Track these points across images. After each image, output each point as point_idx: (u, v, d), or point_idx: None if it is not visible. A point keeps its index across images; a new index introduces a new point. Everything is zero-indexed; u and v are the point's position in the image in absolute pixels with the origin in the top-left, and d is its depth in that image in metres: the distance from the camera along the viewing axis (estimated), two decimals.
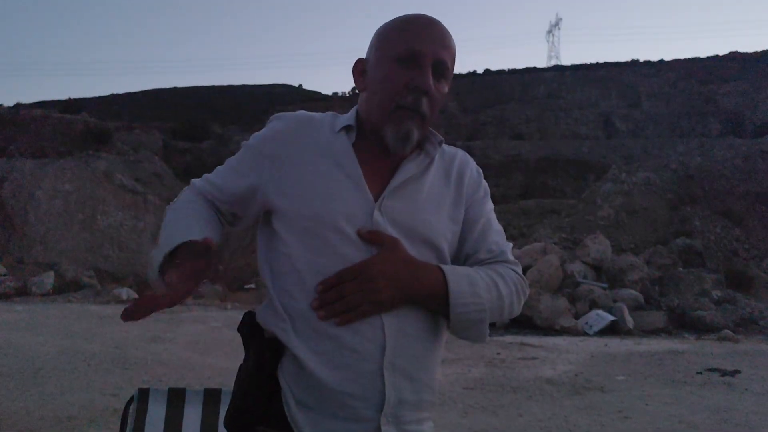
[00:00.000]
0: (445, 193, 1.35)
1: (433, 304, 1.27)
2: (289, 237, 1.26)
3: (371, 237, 1.23)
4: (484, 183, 1.45)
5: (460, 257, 1.37)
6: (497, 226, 1.43)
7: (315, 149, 1.31)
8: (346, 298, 1.21)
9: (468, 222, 1.37)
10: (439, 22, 1.32)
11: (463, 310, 1.27)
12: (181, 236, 1.22)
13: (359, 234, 1.23)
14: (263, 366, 1.26)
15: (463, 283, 1.27)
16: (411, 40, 1.27)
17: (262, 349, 1.27)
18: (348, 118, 1.35)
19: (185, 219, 1.30)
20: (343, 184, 1.27)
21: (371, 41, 1.35)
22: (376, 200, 1.27)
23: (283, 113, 1.41)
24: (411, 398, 1.26)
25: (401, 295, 1.23)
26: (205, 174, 1.43)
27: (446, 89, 1.32)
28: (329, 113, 1.41)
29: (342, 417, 1.22)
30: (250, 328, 1.30)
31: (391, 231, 1.25)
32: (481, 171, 1.46)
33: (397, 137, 1.27)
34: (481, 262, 1.37)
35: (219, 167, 1.42)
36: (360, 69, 1.36)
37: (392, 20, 1.34)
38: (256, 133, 1.39)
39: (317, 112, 1.43)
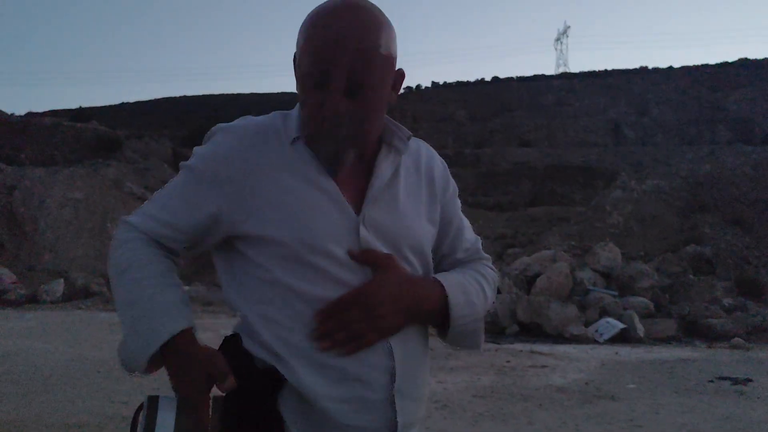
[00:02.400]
0: (419, 193, 1.27)
1: (435, 319, 1.23)
2: (269, 264, 1.14)
3: (365, 258, 1.14)
4: (451, 178, 1.36)
5: (436, 257, 1.31)
6: (466, 221, 1.38)
7: (276, 165, 1.16)
8: (349, 326, 1.11)
9: (443, 222, 1.31)
10: (355, 7, 1.12)
11: (462, 323, 1.23)
12: (170, 322, 1.11)
13: (351, 255, 1.14)
14: (259, 399, 1.14)
15: (459, 294, 1.23)
16: (318, 50, 1.10)
17: (256, 381, 1.14)
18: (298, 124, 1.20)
19: (160, 295, 1.14)
20: (320, 202, 1.15)
21: (297, 34, 1.18)
22: (355, 211, 1.16)
23: (228, 125, 1.23)
24: (414, 419, 1.21)
25: (405, 317, 1.16)
26: (145, 208, 1.22)
27: (375, 93, 1.14)
28: (276, 115, 1.24)
29: None
30: (235, 357, 1.16)
31: (378, 245, 1.17)
32: (446, 164, 1.37)
33: (327, 161, 1.15)
34: (458, 262, 1.33)
35: (160, 196, 1.22)
36: (295, 66, 1.20)
37: (308, 14, 1.16)
38: (200, 151, 1.21)
39: None
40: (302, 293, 1.13)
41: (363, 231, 1.15)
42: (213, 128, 1.24)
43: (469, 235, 1.37)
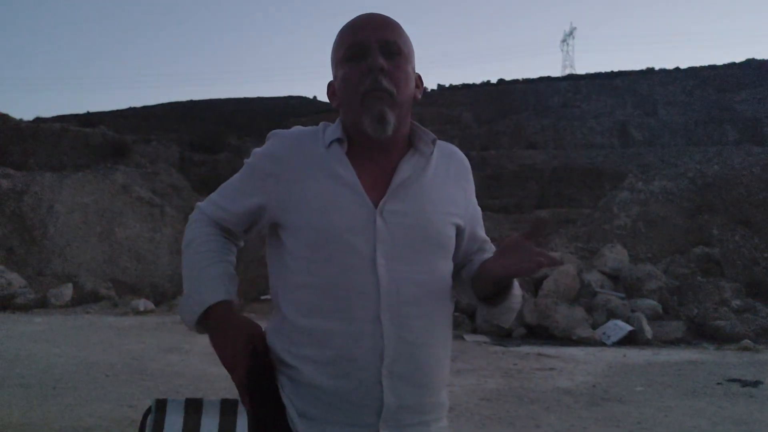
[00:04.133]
0: (447, 191, 1.40)
1: (496, 289, 1.37)
2: (296, 250, 1.31)
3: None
4: (472, 179, 1.53)
5: (456, 251, 1.45)
6: (480, 213, 1.54)
7: (311, 164, 1.34)
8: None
9: (466, 228, 1.46)
10: (379, 13, 1.37)
11: (515, 300, 1.40)
12: (212, 293, 1.33)
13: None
14: (260, 385, 1.32)
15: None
16: (351, 37, 1.34)
17: (255, 370, 1.32)
18: (335, 130, 1.38)
19: (210, 268, 1.37)
20: (342, 194, 1.30)
21: (330, 55, 1.41)
22: (376, 206, 1.30)
23: (280, 131, 1.44)
24: (413, 403, 1.30)
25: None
26: (211, 196, 1.48)
27: (407, 65, 1.36)
28: (321, 125, 1.44)
29: (343, 423, 1.26)
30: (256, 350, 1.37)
31: (393, 235, 1.29)
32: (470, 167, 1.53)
33: (373, 121, 1.31)
34: (473, 252, 1.49)
35: (224, 186, 1.47)
36: (331, 91, 1.42)
37: (337, 33, 1.39)
38: (256, 151, 1.43)
39: (332, 121, 1.46)
40: (315, 276, 1.29)
41: (379, 222, 1.29)
42: (270, 133, 1.46)
43: (482, 229, 1.54)
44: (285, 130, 1.44)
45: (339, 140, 1.36)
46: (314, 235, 1.28)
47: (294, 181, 1.33)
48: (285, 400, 1.29)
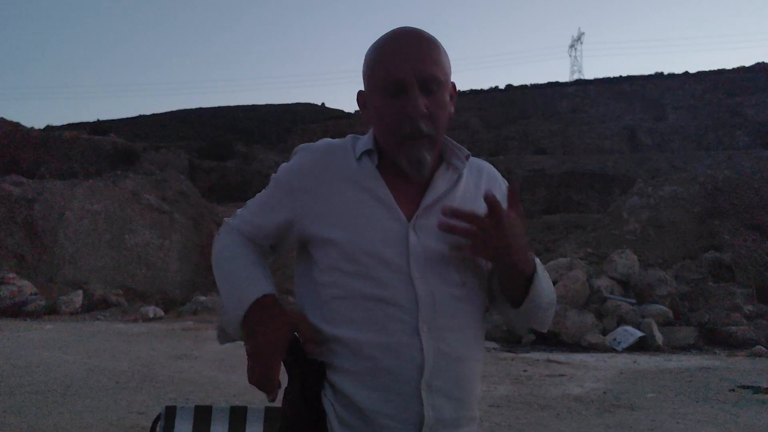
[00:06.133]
0: (478, 206, 1.34)
1: (522, 281, 1.31)
2: (327, 264, 1.29)
3: (490, 201, 1.22)
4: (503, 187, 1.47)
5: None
6: None
7: (342, 178, 1.33)
8: (483, 233, 1.23)
9: None
10: (415, 33, 1.32)
11: (538, 297, 1.33)
12: (257, 287, 1.30)
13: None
14: (308, 390, 1.28)
15: (541, 270, 1.34)
16: (389, 67, 1.28)
17: (305, 374, 1.29)
18: (366, 142, 1.37)
19: (248, 270, 1.35)
20: (375, 209, 1.29)
21: (363, 68, 1.37)
22: (409, 220, 1.29)
23: (308, 144, 1.42)
24: (450, 417, 1.28)
25: (520, 251, 1.26)
26: (239, 211, 1.46)
27: (445, 93, 1.32)
28: (349, 137, 1.42)
29: None
30: (291, 354, 1.32)
31: (426, 250, 1.28)
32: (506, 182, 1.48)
33: (411, 165, 1.29)
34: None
35: (251, 202, 1.45)
36: (362, 102, 1.39)
37: (372, 46, 1.35)
38: (284, 166, 1.41)
39: (340, 128, 1.44)
40: (345, 289, 1.27)
41: (412, 237, 1.28)
42: (296, 147, 1.44)
43: None
44: (313, 144, 1.42)
45: (369, 152, 1.35)
46: (346, 249, 1.27)
47: (325, 195, 1.31)
48: (327, 406, 1.27)
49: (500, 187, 1.43)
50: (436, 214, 1.28)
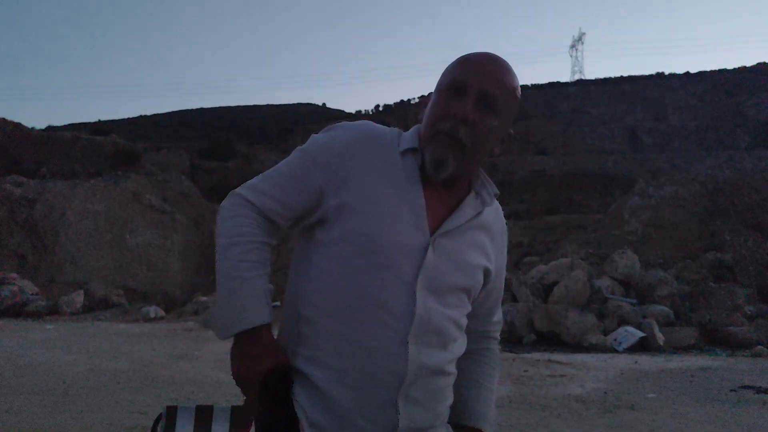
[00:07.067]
0: (485, 245, 1.39)
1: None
2: (335, 250, 1.27)
3: None
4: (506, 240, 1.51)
5: (472, 313, 1.43)
6: (503, 283, 1.52)
7: (381, 170, 1.30)
8: None
9: (491, 283, 1.44)
10: (500, 60, 1.33)
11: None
12: (256, 314, 1.27)
13: None
14: (277, 396, 1.28)
15: (492, 417, 1.47)
16: (461, 72, 1.30)
17: (270, 381, 1.28)
18: (411, 139, 1.34)
19: (254, 281, 1.28)
20: (404, 214, 1.27)
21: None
22: (431, 233, 1.29)
23: (347, 123, 1.37)
24: (424, 424, 1.31)
25: None
26: (254, 183, 1.34)
27: (495, 123, 1.30)
28: (394, 130, 1.38)
29: None
30: (267, 389, 1.30)
31: (438, 268, 1.28)
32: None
33: (432, 160, 1.29)
34: (481, 330, 1.49)
35: (270, 175, 1.35)
36: (425, 102, 1.38)
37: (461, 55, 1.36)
38: (318, 138, 1.35)
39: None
40: (348, 282, 1.25)
41: (430, 252, 1.27)
42: (336, 124, 1.38)
43: (499, 308, 1.54)
44: (354, 124, 1.36)
45: (413, 150, 1.32)
46: (362, 241, 1.24)
47: (357, 182, 1.27)
48: (298, 412, 1.27)
49: (505, 233, 1.48)
50: (455, 237, 1.31)
